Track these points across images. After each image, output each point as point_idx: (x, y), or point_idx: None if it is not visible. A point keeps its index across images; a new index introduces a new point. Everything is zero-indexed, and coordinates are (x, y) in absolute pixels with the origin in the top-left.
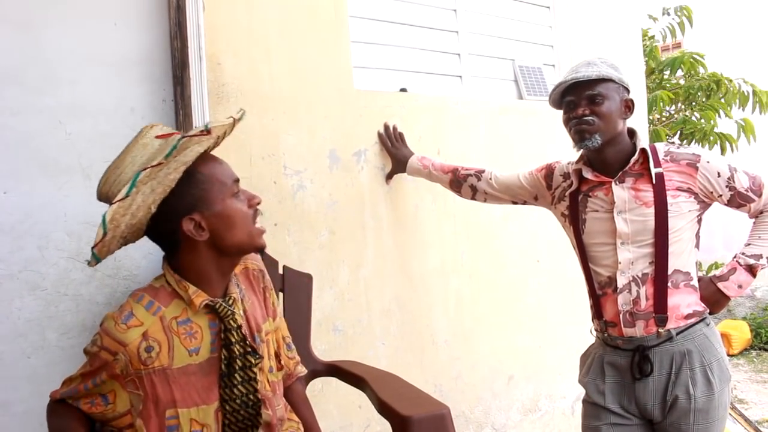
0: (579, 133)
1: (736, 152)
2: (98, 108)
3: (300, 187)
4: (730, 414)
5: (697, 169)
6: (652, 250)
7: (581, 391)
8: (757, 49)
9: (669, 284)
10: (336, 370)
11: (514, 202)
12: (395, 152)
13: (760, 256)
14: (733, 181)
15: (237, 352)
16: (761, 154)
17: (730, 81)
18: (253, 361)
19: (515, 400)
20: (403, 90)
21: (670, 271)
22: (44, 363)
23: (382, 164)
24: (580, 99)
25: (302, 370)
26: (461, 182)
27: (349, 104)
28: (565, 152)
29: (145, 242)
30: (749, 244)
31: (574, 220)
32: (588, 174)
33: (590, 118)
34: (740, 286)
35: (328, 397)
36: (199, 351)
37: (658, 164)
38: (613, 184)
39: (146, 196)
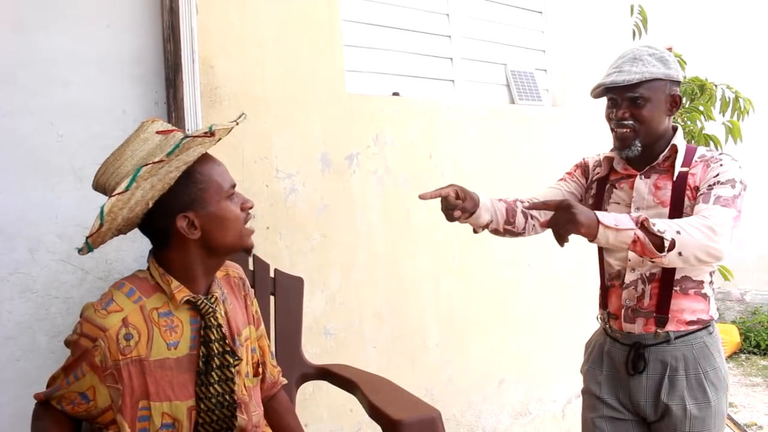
0: (619, 140)
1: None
2: (90, 110)
3: (292, 190)
4: None
5: (709, 165)
6: None
7: (572, 395)
8: (743, 52)
9: (677, 288)
10: (327, 374)
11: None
12: (464, 191)
13: (664, 231)
14: (717, 185)
15: (215, 351)
16: (747, 156)
17: (716, 86)
18: (231, 361)
19: (506, 404)
20: (395, 94)
21: (678, 276)
22: (34, 366)
23: (374, 168)
24: (621, 99)
25: (284, 379)
26: (514, 209)
27: (341, 108)
28: (557, 156)
29: (137, 245)
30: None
31: (597, 208)
32: (618, 166)
33: (630, 122)
34: (617, 224)
35: (319, 400)
36: (178, 345)
37: (687, 164)
38: (637, 177)
39: (145, 192)
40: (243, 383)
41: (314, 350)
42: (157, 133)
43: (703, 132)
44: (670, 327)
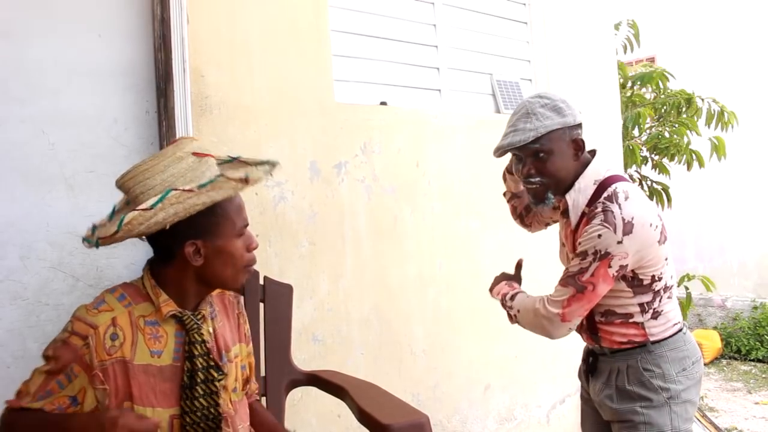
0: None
1: (703, 169)
2: (81, 118)
3: (281, 198)
4: (700, 421)
5: (588, 223)
6: None
7: (557, 400)
8: (728, 65)
9: (602, 319)
10: (316, 380)
11: (547, 225)
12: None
13: (511, 308)
14: (574, 257)
15: (200, 365)
16: (730, 171)
17: (702, 99)
18: (216, 375)
19: (491, 410)
20: (383, 103)
21: (601, 310)
22: (24, 373)
23: (362, 176)
24: (524, 156)
25: (257, 396)
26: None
27: (329, 117)
28: None
29: (129, 253)
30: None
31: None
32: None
33: (537, 178)
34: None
35: (307, 406)
36: (162, 355)
37: (591, 203)
38: (561, 217)
39: (168, 215)
40: (229, 398)
41: (303, 356)
42: (193, 154)
43: (689, 146)
44: (604, 344)
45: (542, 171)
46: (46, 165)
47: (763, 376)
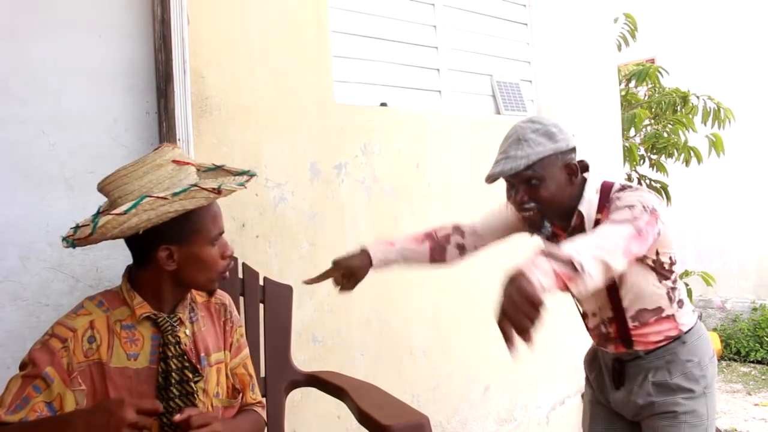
0: (528, 223)
1: (703, 171)
2: (81, 119)
3: (281, 199)
4: None
5: (611, 204)
6: (608, 299)
7: (556, 402)
8: (724, 63)
9: (635, 324)
10: (316, 381)
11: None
12: (350, 269)
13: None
14: (614, 212)
15: (174, 366)
16: (729, 173)
17: (697, 97)
18: (191, 376)
19: (491, 411)
20: (383, 104)
21: (632, 312)
22: None
23: (362, 177)
24: (517, 183)
25: (263, 415)
26: (444, 246)
27: (330, 118)
28: None
29: (128, 253)
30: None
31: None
32: (547, 223)
33: (531, 205)
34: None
35: (307, 407)
36: (138, 357)
37: (600, 211)
38: (564, 239)
39: (141, 221)
40: (210, 402)
41: (302, 357)
42: (173, 161)
43: (687, 144)
44: (639, 347)
45: (536, 198)
46: (46, 165)
47: (763, 377)
